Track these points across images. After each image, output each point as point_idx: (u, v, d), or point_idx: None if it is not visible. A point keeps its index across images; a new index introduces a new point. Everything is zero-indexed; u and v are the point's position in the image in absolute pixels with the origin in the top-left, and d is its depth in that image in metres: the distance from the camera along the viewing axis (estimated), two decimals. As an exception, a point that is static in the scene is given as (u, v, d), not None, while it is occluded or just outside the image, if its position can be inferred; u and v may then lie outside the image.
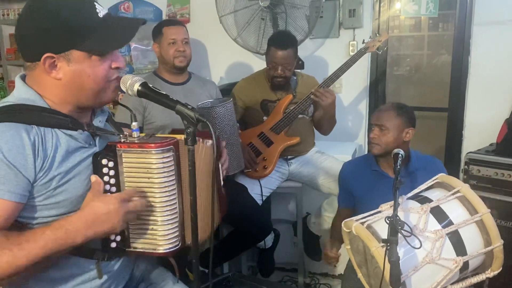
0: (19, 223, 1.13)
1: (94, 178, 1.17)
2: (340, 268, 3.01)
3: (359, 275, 1.63)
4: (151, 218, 1.21)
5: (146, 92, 1.20)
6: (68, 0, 1.13)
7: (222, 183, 1.45)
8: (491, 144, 2.73)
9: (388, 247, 1.27)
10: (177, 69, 2.49)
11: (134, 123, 1.24)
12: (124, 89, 1.22)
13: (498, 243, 1.43)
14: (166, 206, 1.21)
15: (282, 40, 2.56)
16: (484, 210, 1.43)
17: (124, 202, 1.14)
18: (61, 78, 1.15)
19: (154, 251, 1.24)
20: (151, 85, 1.21)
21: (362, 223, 1.49)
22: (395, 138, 1.89)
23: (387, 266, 1.28)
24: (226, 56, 3.39)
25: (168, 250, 1.24)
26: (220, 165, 1.43)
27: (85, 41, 1.13)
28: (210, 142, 1.30)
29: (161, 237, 1.22)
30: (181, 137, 1.23)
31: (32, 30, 1.13)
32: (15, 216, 1.10)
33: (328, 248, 2.16)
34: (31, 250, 1.03)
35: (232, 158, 2.22)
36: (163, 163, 1.18)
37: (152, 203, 1.20)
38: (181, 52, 2.45)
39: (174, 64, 2.46)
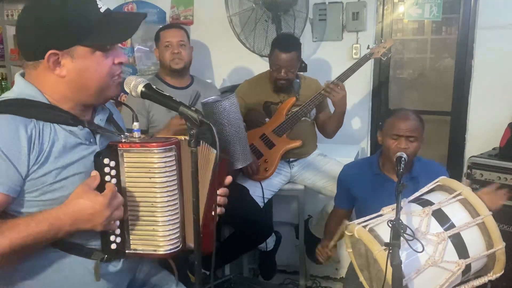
0: None
1: (94, 173, 1.16)
2: (342, 271, 3.00)
3: (361, 278, 1.63)
4: (152, 218, 1.21)
5: (149, 93, 1.20)
6: None
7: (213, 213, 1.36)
8: (494, 148, 2.72)
9: (391, 251, 1.27)
10: (174, 71, 2.49)
11: (135, 123, 1.25)
12: (127, 90, 1.22)
13: (500, 245, 1.43)
14: (167, 206, 1.21)
15: (286, 43, 2.56)
16: (485, 213, 1.43)
17: (111, 203, 1.13)
18: (65, 75, 1.15)
19: (154, 253, 1.23)
20: (154, 87, 1.21)
21: (364, 227, 1.49)
22: (419, 146, 1.89)
23: (389, 269, 1.28)
24: (229, 58, 3.39)
25: (168, 252, 1.23)
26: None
27: (89, 36, 1.13)
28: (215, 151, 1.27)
29: (161, 237, 1.22)
30: (182, 137, 1.24)
31: (34, 28, 1.13)
32: (2, 207, 1.09)
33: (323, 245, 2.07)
34: (13, 239, 1.04)
35: (238, 152, 2.23)
36: (164, 162, 1.18)
37: (153, 203, 1.20)
38: (176, 54, 2.45)
39: (170, 67, 2.47)
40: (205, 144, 1.29)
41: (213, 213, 1.37)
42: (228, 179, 1.40)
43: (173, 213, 1.22)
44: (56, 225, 1.08)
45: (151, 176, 1.19)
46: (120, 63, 1.22)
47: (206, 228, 1.35)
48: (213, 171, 1.26)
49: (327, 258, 2.07)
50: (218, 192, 1.38)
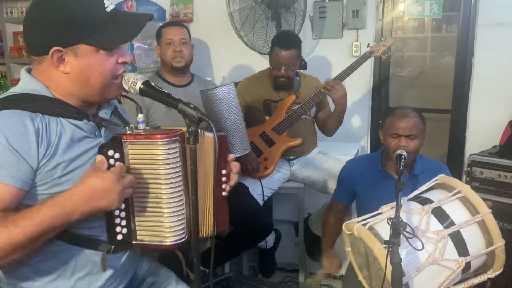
0: None
1: (99, 158, 1.16)
2: (342, 269, 3.00)
3: (360, 277, 1.62)
4: (158, 210, 1.21)
5: (148, 90, 1.20)
6: None
7: (223, 192, 1.40)
8: (494, 146, 2.72)
9: (390, 249, 1.27)
10: (176, 69, 2.49)
11: (140, 115, 1.25)
12: (126, 87, 1.22)
13: (499, 243, 1.43)
14: (172, 197, 1.21)
15: (286, 40, 2.55)
16: (485, 210, 1.43)
17: (121, 179, 1.13)
18: (68, 72, 1.16)
19: (160, 244, 1.23)
20: (153, 84, 1.21)
21: (364, 225, 1.48)
22: (421, 143, 1.88)
23: (389, 267, 1.28)
24: (229, 56, 3.39)
25: (174, 242, 1.23)
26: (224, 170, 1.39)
27: (93, 35, 1.14)
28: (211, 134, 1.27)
29: (167, 229, 1.22)
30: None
31: (40, 24, 1.14)
32: (16, 202, 1.10)
33: (326, 260, 2.16)
34: (27, 227, 1.02)
35: (237, 140, 2.24)
36: (168, 154, 1.18)
37: (158, 195, 1.20)
38: (178, 52, 2.46)
39: (172, 65, 2.46)
40: (202, 132, 1.28)
41: (223, 193, 1.39)
42: (231, 156, 1.41)
43: (178, 204, 1.22)
44: (70, 207, 1.07)
45: (155, 168, 1.19)
46: (124, 63, 1.22)
47: (219, 209, 1.36)
48: (215, 154, 1.25)
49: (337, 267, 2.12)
50: (228, 170, 1.39)
